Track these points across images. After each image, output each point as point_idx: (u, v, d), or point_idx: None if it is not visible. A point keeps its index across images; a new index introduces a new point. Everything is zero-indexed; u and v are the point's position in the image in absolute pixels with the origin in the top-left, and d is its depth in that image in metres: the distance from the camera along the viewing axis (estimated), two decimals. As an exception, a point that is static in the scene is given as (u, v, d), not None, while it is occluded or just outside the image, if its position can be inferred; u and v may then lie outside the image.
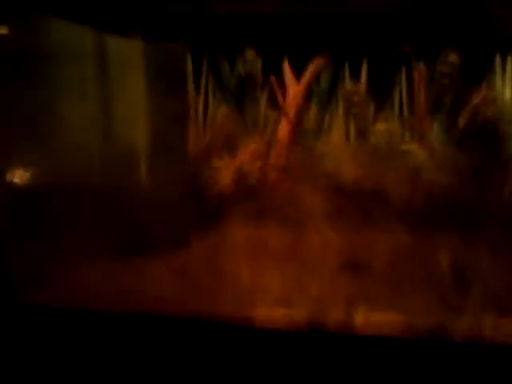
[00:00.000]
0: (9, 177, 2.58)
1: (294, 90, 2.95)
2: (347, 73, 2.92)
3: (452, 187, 2.53)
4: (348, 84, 2.91)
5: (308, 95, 2.96)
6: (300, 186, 2.75)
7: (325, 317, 1.98)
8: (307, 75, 2.94)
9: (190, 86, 3.00)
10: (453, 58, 2.77)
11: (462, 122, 2.75)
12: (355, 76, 2.91)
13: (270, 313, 2.05)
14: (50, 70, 2.73)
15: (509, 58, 2.69)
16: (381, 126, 2.84)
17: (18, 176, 2.61)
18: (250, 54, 3.01)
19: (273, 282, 2.23)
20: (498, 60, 2.70)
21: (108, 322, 2.10)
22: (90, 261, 2.39)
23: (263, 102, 3.02)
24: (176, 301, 2.13)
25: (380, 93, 2.87)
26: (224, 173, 2.93)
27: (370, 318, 1.97)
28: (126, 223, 2.57)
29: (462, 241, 2.29)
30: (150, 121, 2.92)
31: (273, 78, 2.96)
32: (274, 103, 2.99)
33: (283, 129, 2.96)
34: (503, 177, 2.58)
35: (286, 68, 2.95)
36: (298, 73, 2.95)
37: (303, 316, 2.00)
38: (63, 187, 2.53)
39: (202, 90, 3.03)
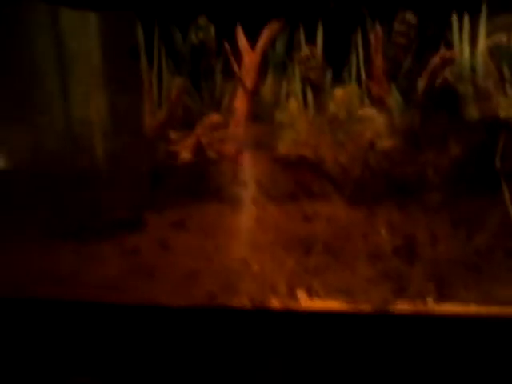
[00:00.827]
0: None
1: (249, 57, 2.86)
2: (303, 37, 2.83)
3: (409, 154, 2.48)
4: (304, 49, 2.82)
5: (264, 62, 2.87)
6: (258, 158, 2.70)
7: (268, 295, 1.97)
8: (262, 41, 2.84)
9: (143, 58, 2.91)
10: (409, 17, 2.67)
11: (420, 84, 2.67)
12: (311, 40, 2.82)
13: (219, 296, 2.03)
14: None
15: (466, 17, 2.59)
16: (339, 92, 2.76)
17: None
18: (202, 22, 2.90)
19: (227, 264, 2.20)
20: (455, 19, 2.60)
21: (54, 310, 2.08)
22: (35, 246, 2.35)
23: (218, 71, 2.94)
24: (126, 288, 2.10)
25: (337, 57, 2.78)
26: (182, 147, 2.87)
27: (313, 295, 1.96)
28: (75, 204, 2.52)
29: (418, 212, 2.25)
30: (103, 96, 2.83)
31: (227, 46, 2.86)
32: (229, 72, 2.91)
33: (240, 98, 2.88)
34: (463, 141, 2.52)
35: (240, 34, 2.85)
36: (252, 39, 2.86)
37: (250, 296, 1.98)
38: (9, 166, 2.49)
39: (155, 62, 2.94)
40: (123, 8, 2.75)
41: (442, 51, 2.63)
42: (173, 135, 2.87)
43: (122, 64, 2.79)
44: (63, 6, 2.69)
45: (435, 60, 2.64)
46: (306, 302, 1.98)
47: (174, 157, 2.82)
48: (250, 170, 2.70)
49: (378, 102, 2.72)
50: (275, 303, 1.97)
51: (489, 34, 2.62)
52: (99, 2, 2.66)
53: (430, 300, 1.85)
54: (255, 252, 2.23)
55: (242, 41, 2.85)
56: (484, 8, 2.60)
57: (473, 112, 2.48)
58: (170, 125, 2.89)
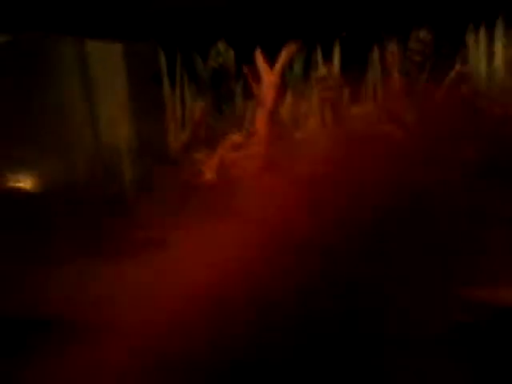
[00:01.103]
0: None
1: (268, 78, 2.93)
2: (320, 57, 2.90)
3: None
4: (321, 68, 2.89)
5: (282, 82, 2.94)
6: (280, 177, 2.76)
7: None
8: (280, 62, 2.91)
9: (166, 82, 3.01)
10: (424, 35, 2.72)
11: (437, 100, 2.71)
12: (328, 60, 2.88)
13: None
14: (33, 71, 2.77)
15: (481, 33, 2.63)
16: (357, 109, 2.82)
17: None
18: (221, 46, 3.00)
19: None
20: (470, 35, 2.64)
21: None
22: (60, 268, 2.42)
23: (239, 92, 3.02)
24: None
25: (354, 75, 2.84)
26: (206, 167, 2.95)
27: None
28: (99, 225, 2.61)
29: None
30: (129, 120, 2.94)
31: (246, 68, 2.94)
32: (249, 93, 2.98)
33: (260, 118, 2.95)
34: (480, 157, 2.55)
35: (259, 57, 2.92)
36: (271, 60, 2.93)
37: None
38: (38, 190, 2.59)
39: (178, 86, 3.04)
40: (146, 37, 2.86)
41: (458, 66, 2.67)
42: (197, 156, 2.96)
43: (146, 90, 2.90)
44: (88, 38, 2.81)
45: (452, 75, 2.67)
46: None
47: (199, 176, 2.90)
48: (271, 188, 2.76)
49: (396, 119, 2.76)
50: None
51: (505, 48, 2.65)
52: (123, 33, 2.77)
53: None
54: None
55: (261, 62, 2.92)
56: (500, 22, 2.63)
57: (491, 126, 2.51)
58: (193, 146, 2.98)
